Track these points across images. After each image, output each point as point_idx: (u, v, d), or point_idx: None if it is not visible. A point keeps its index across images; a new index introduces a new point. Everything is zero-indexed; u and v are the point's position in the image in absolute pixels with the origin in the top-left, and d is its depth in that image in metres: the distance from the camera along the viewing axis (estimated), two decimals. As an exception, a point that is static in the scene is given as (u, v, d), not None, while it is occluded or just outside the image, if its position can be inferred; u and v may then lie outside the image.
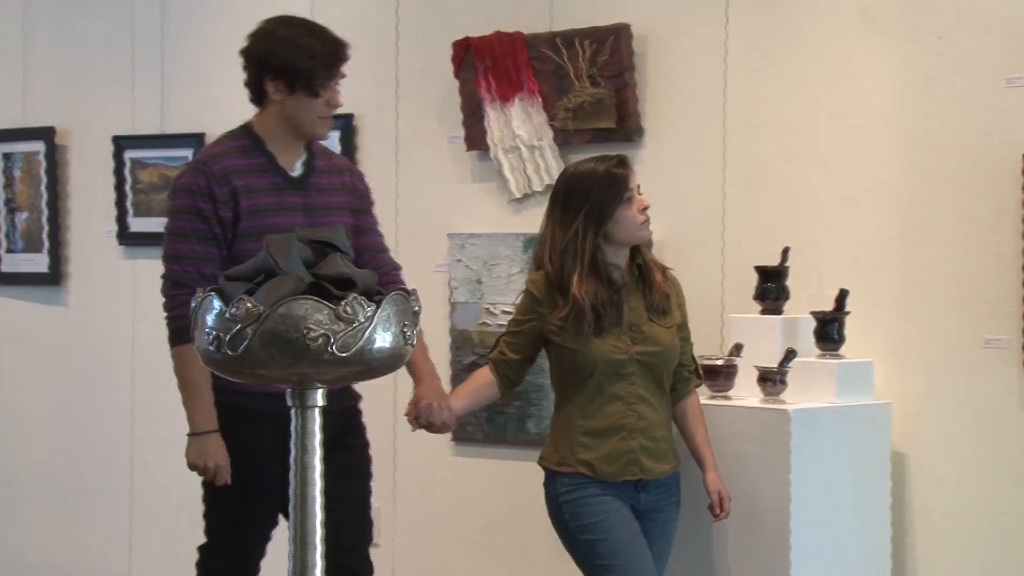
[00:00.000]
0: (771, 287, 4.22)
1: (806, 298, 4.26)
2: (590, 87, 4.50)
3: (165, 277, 3.48)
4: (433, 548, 5.05)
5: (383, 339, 1.96)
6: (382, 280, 3.42)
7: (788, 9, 4.40)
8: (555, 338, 3.51)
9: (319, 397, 2.04)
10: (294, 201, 3.49)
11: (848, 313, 4.12)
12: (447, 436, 4.47)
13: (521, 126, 4.64)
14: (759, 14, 4.44)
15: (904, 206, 4.24)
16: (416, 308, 2.00)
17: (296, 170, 3.53)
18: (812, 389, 4.08)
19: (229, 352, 1.90)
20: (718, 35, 4.49)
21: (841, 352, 4.13)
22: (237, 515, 3.54)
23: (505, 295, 4.60)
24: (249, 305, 1.88)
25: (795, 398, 4.05)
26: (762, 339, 4.15)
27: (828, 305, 4.15)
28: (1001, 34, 4.01)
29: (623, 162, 3.54)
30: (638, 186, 3.54)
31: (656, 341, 3.54)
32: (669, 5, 4.58)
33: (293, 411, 2.05)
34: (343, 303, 1.90)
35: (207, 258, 3.40)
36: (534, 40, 4.58)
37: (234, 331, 1.90)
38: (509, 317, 3.89)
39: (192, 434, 3.45)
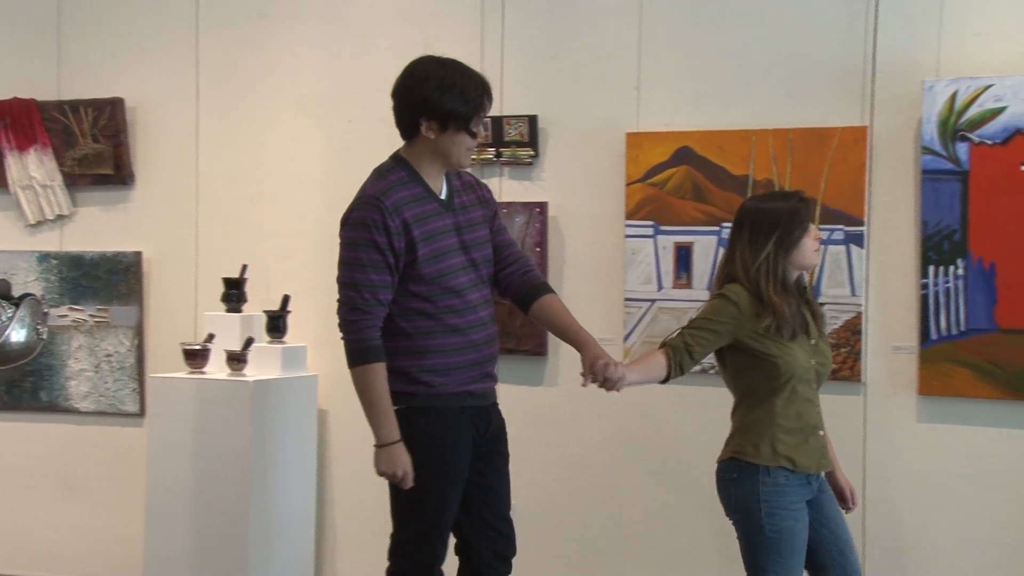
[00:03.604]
0: (234, 292, 4.98)
1: (259, 301, 5.08)
2: (92, 143, 5.36)
3: (343, 303, 3.40)
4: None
5: (19, 335, 2.26)
6: (521, 268, 3.57)
7: (240, 94, 5.24)
8: (755, 344, 3.44)
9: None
10: (447, 223, 3.45)
11: (290, 312, 4.99)
12: None
13: (36, 169, 5.43)
14: (222, 94, 5.29)
15: (327, 236, 4.45)
16: (46, 310, 2.41)
17: (443, 194, 3.49)
18: (265, 366, 4.89)
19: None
20: (191, 109, 5.31)
21: (285, 339, 4.96)
22: (441, 504, 3.46)
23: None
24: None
25: (253, 373, 4.83)
26: (228, 331, 4.92)
27: (275, 306, 4.98)
28: (392, 122, 4.25)
29: (804, 199, 3.56)
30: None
31: (826, 355, 3.56)
32: (154, 84, 5.36)
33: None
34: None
35: (381, 285, 3.35)
36: (46, 105, 5.38)
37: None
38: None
39: (381, 445, 3.38)
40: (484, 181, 4.77)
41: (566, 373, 4.77)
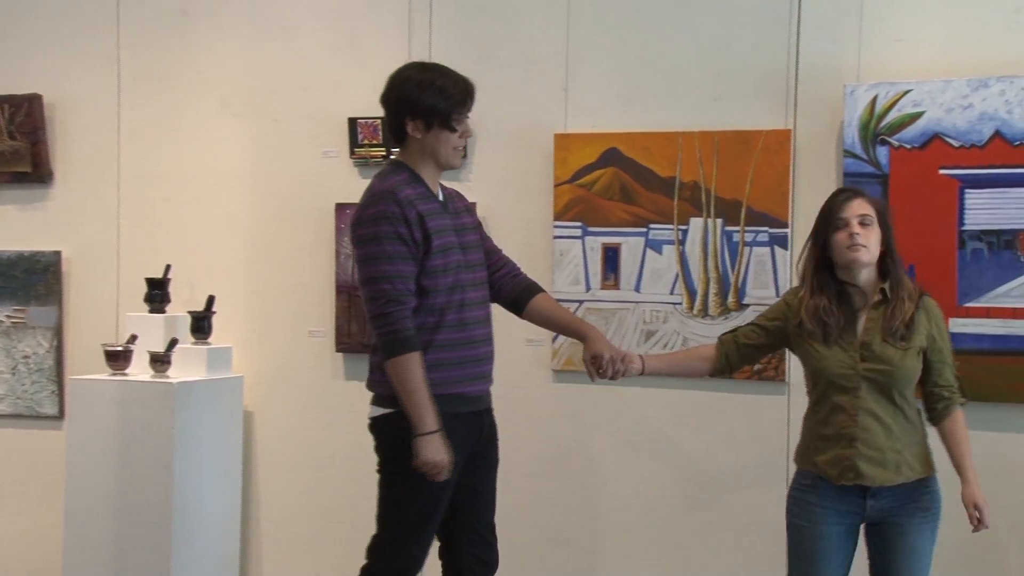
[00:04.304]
0: (157, 293, 4.95)
1: (183, 301, 5.05)
2: (9, 140, 5.28)
3: (376, 297, 3.38)
4: None
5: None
6: (511, 271, 3.71)
7: (162, 93, 5.20)
8: (795, 344, 3.50)
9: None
10: (447, 223, 3.52)
11: (214, 312, 4.96)
12: None
13: (-53, 166, 5.26)
14: (144, 91, 5.24)
15: (253, 236, 5.10)
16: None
17: (440, 197, 3.57)
18: (189, 367, 4.86)
19: None
20: (112, 106, 5.25)
21: (210, 340, 4.93)
22: (429, 507, 3.48)
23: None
24: None
25: (177, 374, 4.80)
26: (151, 332, 4.88)
27: (200, 306, 4.95)
28: (320, 119, 4.96)
29: (841, 192, 3.52)
30: (862, 216, 3.42)
31: (886, 361, 3.35)
32: (73, 81, 5.30)
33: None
34: None
35: (409, 276, 3.39)
36: (-42, 100, 5.23)
37: None
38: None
39: (425, 434, 3.36)
40: None
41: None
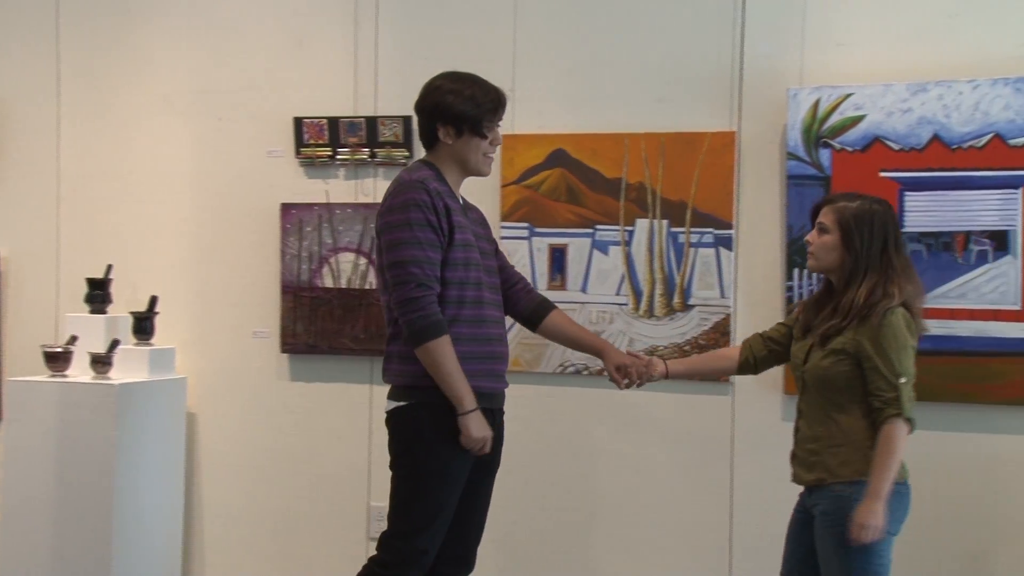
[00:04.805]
0: (98, 293, 4.92)
1: (125, 302, 5.02)
2: None
3: (406, 282, 3.42)
4: None
5: None
6: (525, 287, 3.83)
7: (104, 91, 5.19)
8: None
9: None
10: (467, 223, 3.59)
11: (157, 313, 4.94)
12: None
13: None
14: (85, 90, 5.21)
15: (198, 236, 5.08)
16: None
17: (460, 202, 3.64)
18: (131, 368, 4.83)
19: None
20: (52, 105, 5.23)
21: (152, 341, 4.91)
22: (440, 502, 3.51)
23: None
24: None
25: (119, 375, 4.77)
26: (92, 332, 4.85)
27: (142, 307, 4.94)
28: (266, 120, 4.96)
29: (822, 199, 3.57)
30: (820, 223, 3.46)
31: (809, 361, 3.43)
32: (12, 80, 5.25)
33: None
34: None
35: (436, 263, 3.45)
36: None
37: None
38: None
39: (468, 412, 3.43)
40: (357, 181, 4.89)
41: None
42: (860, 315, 3.33)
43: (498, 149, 3.70)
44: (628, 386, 3.73)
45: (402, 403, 3.50)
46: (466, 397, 3.42)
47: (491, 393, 3.61)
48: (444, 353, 3.40)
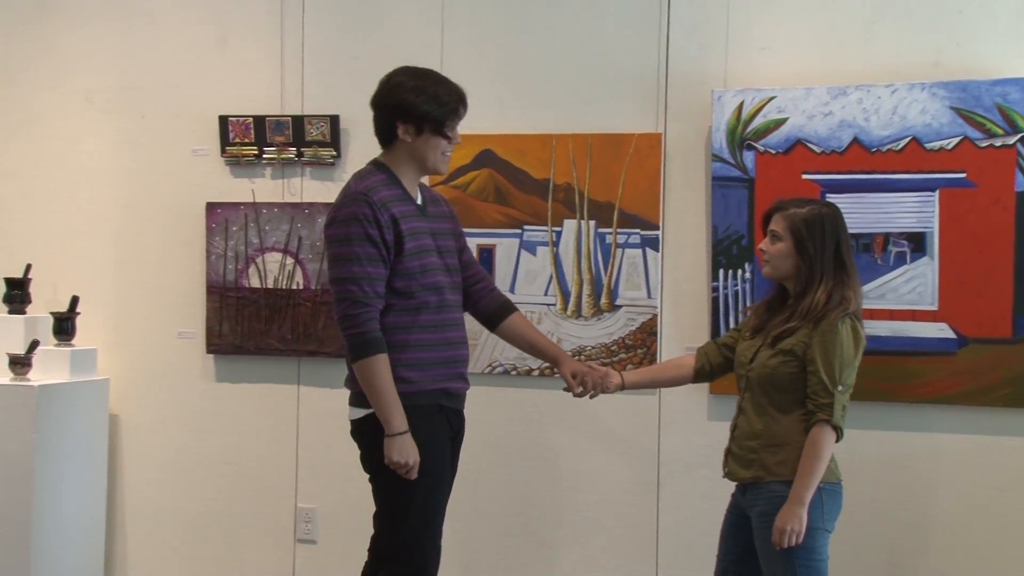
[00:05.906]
0: (17, 293, 4.88)
1: (45, 302, 4.98)
2: None
3: (343, 299, 3.40)
4: None
5: None
6: (488, 286, 3.80)
7: (22, 88, 5.10)
8: None
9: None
10: (423, 226, 3.55)
11: (78, 313, 4.89)
12: None
13: None
14: (2, 85, 5.14)
15: (120, 235, 5.04)
16: None
17: (418, 200, 3.60)
18: (52, 370, 4.78)
19: None
20: None
21: (73, 342, 4.86)
22: (434, 503, 3.49)
23: None
24: None
25: (38, 377, 4.72)
26: (11, 333, 4.81)
27: (63, 307, 4.89)
28: (190, 118, 4.92)
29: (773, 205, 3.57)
30: (772, 231, 3.50)
31: (756, 360, 3.46)
32: None
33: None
34: None
35: (378, 278, 3.41)
36: None
37: None
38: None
39: (393, 435, 3.37)
40: (284, 181, 4.86)
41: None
42: (815, 318, 3.36)
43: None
44: (582, 394, 3.72)
45: (369, 410, 3.46)
46: (395, 419, 3.39)
47: (459, 394, 3.63)
48: (377, 372, 3.38)
